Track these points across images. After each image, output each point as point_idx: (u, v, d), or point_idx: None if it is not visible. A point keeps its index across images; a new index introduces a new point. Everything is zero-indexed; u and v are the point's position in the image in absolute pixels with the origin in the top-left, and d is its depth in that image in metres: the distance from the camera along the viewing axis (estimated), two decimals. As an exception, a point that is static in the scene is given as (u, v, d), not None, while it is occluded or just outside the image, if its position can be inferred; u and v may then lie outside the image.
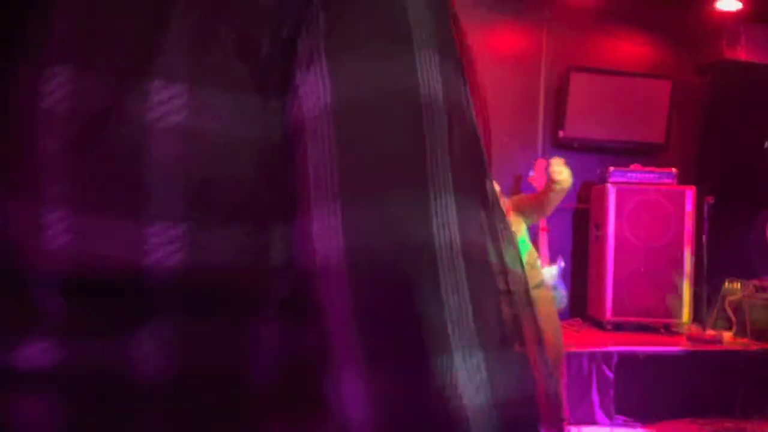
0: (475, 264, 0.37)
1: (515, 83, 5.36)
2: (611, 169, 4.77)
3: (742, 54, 5.37)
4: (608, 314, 4.65)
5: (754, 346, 4.15)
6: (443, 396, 0.35)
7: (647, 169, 4.80)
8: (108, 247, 0.35)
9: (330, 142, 0.36)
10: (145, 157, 0.35)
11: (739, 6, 5.12)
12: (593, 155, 5.22)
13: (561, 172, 3.20)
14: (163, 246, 0.36)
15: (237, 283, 0.38)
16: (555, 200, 3.32)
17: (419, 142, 0.37)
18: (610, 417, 3.78)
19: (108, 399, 0.37)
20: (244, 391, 0.39)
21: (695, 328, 4.53)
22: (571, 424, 3.31)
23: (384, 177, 0.36)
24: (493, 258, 0.39)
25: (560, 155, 4.59)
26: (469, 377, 0.35)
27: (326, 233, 0.36)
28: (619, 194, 4.70)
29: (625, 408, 3.82)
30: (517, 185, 4.93)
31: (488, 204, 0.40)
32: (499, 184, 4.20)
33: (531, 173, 4.05)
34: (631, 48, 5.58)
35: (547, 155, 4.78)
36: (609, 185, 4.72)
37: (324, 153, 0.36)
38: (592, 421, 3.73)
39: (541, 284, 3.19)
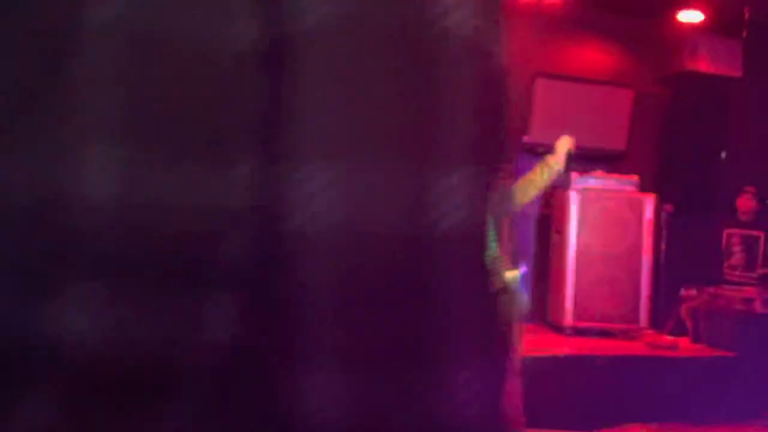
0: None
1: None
2: (574, 175, 4.80)
3: (702, 65, 5.48)
4: (568, 319, 4.68)
5: (710, 353, 4.22)
6: None
7: (609, 176, 4.85)
8: (39, 172, 0.29)
9: (320, 84, 0.30)
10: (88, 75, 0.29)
11: (700, 18, 5.22)
12: (557, 161, 5.26)
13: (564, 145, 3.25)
14: (98, 172, 0.29)
15: (184, 234, 0.30)
16: (539, 183, 3.26)
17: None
18: (569, 421, 3.79)
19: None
20: (180, 387, 0.31)
21: (653, 334, 4.59)
22: (528, 428, 3.30)
23: (386, 142, 0.31)
24: None
25: (524, 160, 4.61)
26: None
27: (319, 195, 0.29)
28: (582, 201, 4.73)
29: (583, 412, 3.83)
30: (481, 189, 4.94)
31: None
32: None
33: None
34: (595, 56, 5.65)
35: (513, 161, 4.80)
36: (571, 192, 4.75)
37: (314, 99, 0.30)
38: (550, 426, 3.73)
39: (504, 289, 3.17)
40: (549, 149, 5.24)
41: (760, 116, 5.60)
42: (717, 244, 4.94)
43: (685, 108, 5.55)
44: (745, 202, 5.09)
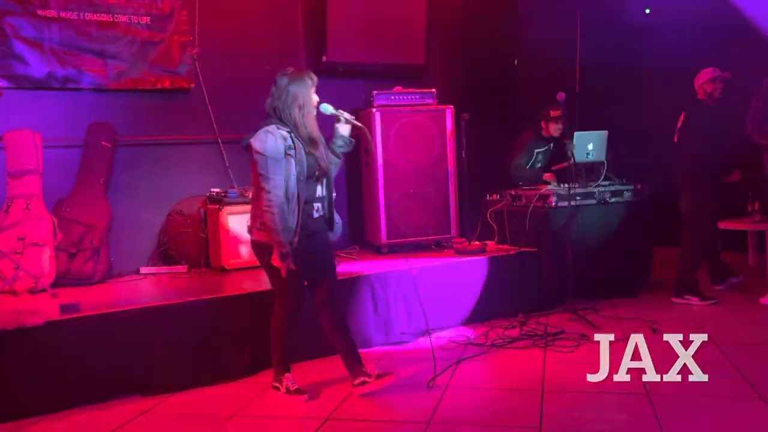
0: None
1: (273, 6, 5.04)
2: (375, 92, 4.73)
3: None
4: (383, 238, 4.71)
5: (513, 251, 4.45)
6: None
7: (409, 90, 4.83)
8: None
9: None
10: None
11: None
12: (360, 80, 5.14)
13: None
14: None
15: None
16: None
17: None
18: (387, 335, 3.82)
19: None
20: None
21: (462, 241, 4.75)
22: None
23: None
24: None
25: (326, 81, 4.42)
26: None
27: None
28: (384, 118, 4.69)
29: (406, 324, 3.89)
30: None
31: None
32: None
33: None
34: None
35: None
36: (374, 110, 4.68)
37: None
38: (369, 343, 3.75)
39: None
40: (349, 68, 5.10)
41: (544, 24, 5.86)
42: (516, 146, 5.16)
43: (479, 17, 5.64)
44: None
